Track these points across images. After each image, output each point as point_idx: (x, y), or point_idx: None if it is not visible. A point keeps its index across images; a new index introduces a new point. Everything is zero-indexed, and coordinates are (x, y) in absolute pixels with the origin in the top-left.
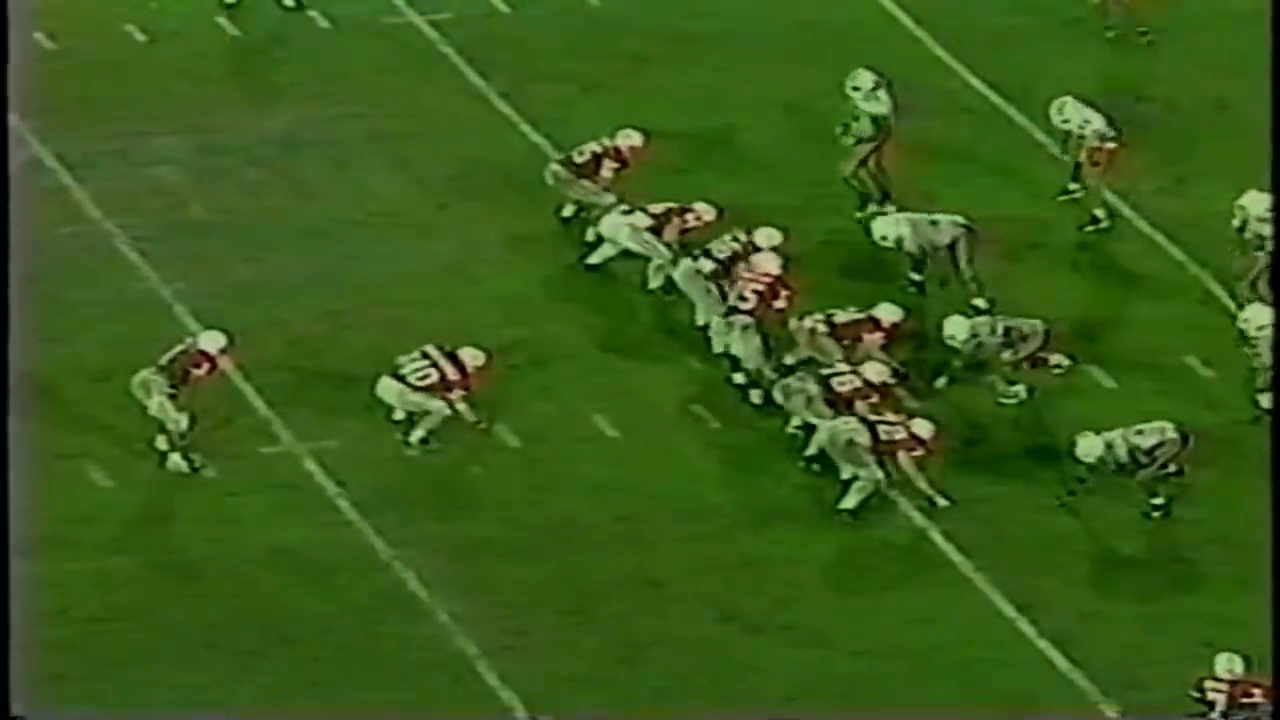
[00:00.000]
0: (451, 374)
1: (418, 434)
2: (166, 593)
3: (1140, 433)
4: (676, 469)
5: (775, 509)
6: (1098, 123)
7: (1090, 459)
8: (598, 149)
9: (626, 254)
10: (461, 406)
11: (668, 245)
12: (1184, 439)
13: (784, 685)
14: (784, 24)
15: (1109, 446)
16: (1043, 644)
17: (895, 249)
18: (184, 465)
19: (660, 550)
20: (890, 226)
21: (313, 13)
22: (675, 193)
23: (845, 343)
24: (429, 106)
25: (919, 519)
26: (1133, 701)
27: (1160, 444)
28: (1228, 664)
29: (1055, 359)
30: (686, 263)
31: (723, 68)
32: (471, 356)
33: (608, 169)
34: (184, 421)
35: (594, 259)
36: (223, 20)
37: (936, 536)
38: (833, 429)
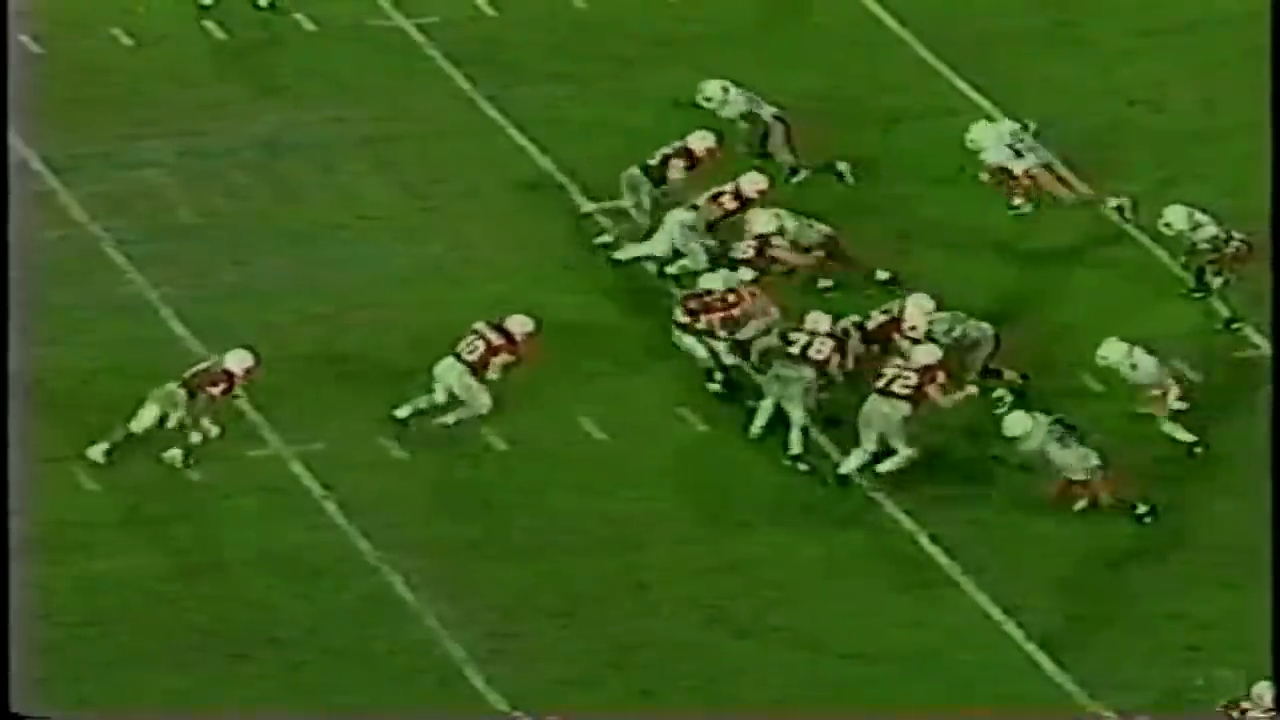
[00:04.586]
0: (497, 341)
1: (450, 418)
2: (153, 596)
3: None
4: (663, 472)
5: (762, 512)
6: (1210, 227)
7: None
8: (668, 150)
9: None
10: (496, 374)
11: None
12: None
13: (772, 688)
14: (770, 27)
15: None
16: (1030, 647)
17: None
18: (179, 460)
19: (648, 553)
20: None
21: (299, 16)
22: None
23: (875, 346)
24: (415, 109)
25: (907, 522)
26: (1120, 704)
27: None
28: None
29: (1009, 375)
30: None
31: (709, 71)
32: (520, 324)
33: (676, 170)
34: (214, 431)
35: (622, 255)
36: (209, 24)
37: (924, 540)
38: (874, 403)
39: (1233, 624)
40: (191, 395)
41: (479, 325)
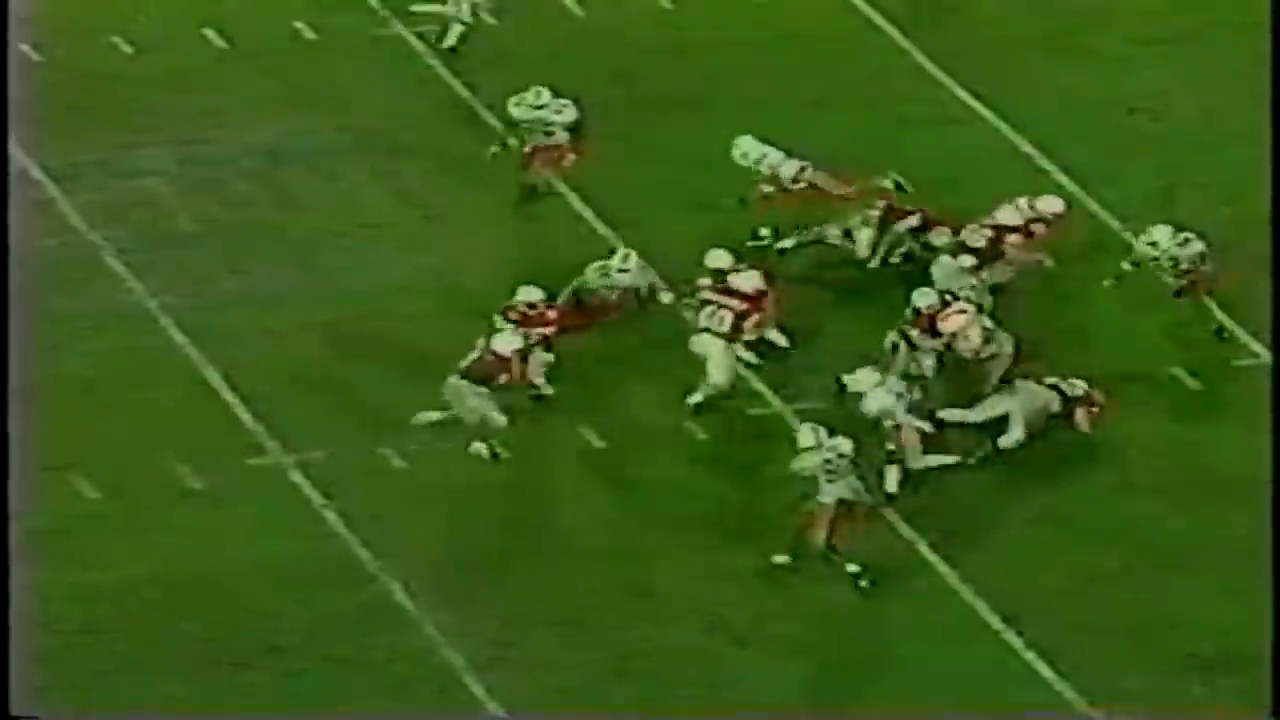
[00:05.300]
0: (739, 305)
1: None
2: (153, 604)
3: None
4: (664, 481)
5: (762, 520)
6: (1197, 244)
7: None
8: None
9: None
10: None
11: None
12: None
13: (772, 696)
14: (770, 35)
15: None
16: (1030, 655)
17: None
18: (486, 451)
19: (648, 561)
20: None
21: (299, 24)
22: (662, 201)
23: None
24: (416, 118)
25: (906, 530)
26: (1120, 712)
27: None
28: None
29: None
30: (945, 259)
31: (709, 78)
32: (747, 279)
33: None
34: (502, 420)
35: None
36: (209, 32)
37: (923, 548)
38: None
39: (1232, 632)
40: (482, 384)
41: (709, 295)
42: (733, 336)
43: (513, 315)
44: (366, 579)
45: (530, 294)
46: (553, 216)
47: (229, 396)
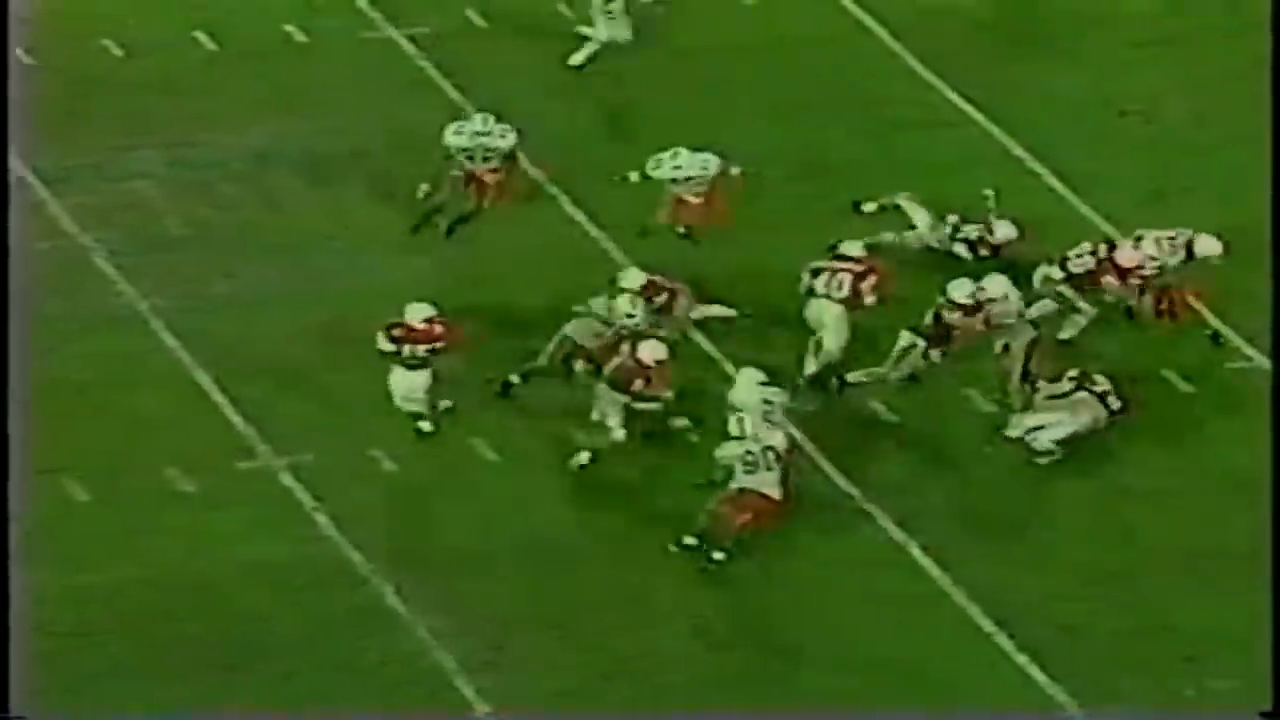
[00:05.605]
0: (856, 267)
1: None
2: (144, 607)
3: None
4: (655, 484)
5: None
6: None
7: None
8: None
9: None
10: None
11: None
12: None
13: (762, 699)
14: (762, 38)
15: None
16: (1021, 658)
17: None
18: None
19: (640, 566)
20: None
21: (289, 27)
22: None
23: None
24: (407, 121)
25: (897, 533)
26: (1112, 715)
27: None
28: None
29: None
30: (1043, 267)
31: (702, 81)
32: (852, 246)
33: None
34: (621, 434)
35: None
36: (199, 35)
37: (914, 550)
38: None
39: (1226, 634)
40: (628, 387)
41: (823, 264)
42: (853, 302)
43: (396, 333)
44: (358, 582)
45: (421, 311)
46: (542, 220)
47: (219, 399)
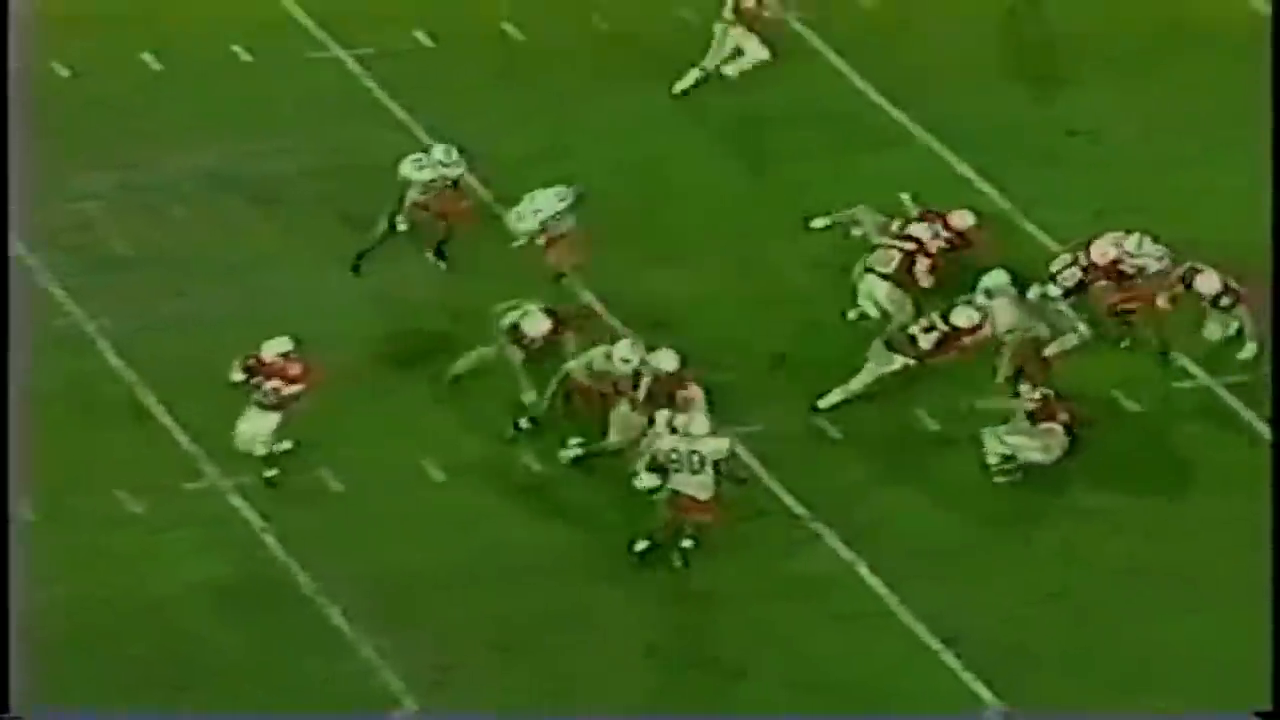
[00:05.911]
0: (913, 246)
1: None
2: (91, 627)
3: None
4: (603, 502)
5: (702, 542)
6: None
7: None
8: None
9: None
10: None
11: None
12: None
13: (713, 718)
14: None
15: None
16: (968, 677)
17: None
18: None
19: (588, 584)
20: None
21: (236, 48)
22: (606, 223)
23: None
24: (354, 141)
25: (844, 552)
26: None
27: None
28: None
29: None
30: (1035, 288)
31: (649, 100)
32: (962, 218)
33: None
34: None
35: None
36: (146, 56)
37: (862, 570)
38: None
39: (1173, 652)
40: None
41: (885, 241)
42: (906, 280)
43: (249, 363)
44: (304, 602)
45: (280, 345)
46: (490, 239)
47: (167, 420)
